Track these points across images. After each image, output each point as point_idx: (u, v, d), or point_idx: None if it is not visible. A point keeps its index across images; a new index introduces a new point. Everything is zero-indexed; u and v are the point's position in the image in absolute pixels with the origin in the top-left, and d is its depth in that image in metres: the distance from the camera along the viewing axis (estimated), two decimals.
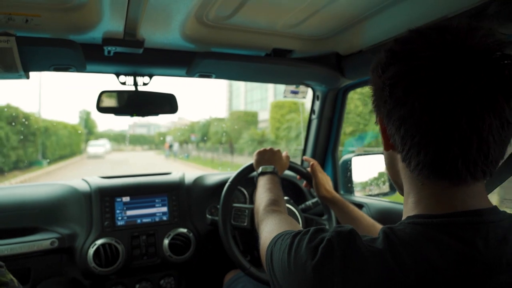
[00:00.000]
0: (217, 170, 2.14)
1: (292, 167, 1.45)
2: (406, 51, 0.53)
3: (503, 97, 0.48)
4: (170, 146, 25.80)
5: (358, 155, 1.73)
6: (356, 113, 11.12)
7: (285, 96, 1.80)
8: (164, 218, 1.56)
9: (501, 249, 0.49)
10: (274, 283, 0.61)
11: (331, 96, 1.79)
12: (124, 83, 1.47)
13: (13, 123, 11.92)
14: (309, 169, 1.42)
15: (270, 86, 22.46)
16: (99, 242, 1.39)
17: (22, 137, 12.42)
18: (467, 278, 0.47)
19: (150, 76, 1.49)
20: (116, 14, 1.04)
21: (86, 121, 26.34)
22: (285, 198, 1.33)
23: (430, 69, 0.49)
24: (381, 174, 1.69)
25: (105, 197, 1.49)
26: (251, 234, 1.37)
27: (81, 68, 1.31)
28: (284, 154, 1.40)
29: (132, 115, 1.45)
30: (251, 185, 1.63)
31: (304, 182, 1.51)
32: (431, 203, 0.55)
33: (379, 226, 1.13)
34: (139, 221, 1.51)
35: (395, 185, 0.67)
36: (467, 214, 0.52)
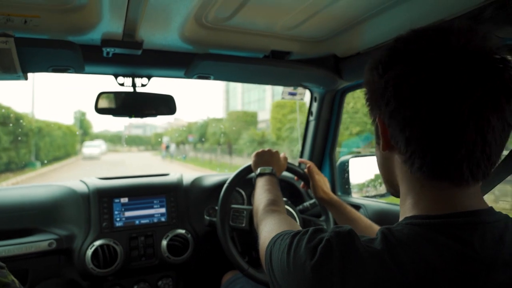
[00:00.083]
0: (215, 172, 2.14)
1: (290, 169, 1.46)
2: (411, 51, 0.53)
3: (506, 99, 0.49)
4: (167, 147, 25.69)
5: (355, 156, 1.75)
6: (363, 112, 11.07)
7: (283, 98, 1.81)
8: (162, 219, 1.56)
9: (497, 249, 0.50)
10: (273, 282, 0.61)
11: (328, 98, 1.80)
12: (122, 84, 1.47)
13: (5, 123, 11.60)
14: (306, 170, 1.43)
15: (268, 87, 22.36)
16: (97, 243, 1.39)
17: (14, 137, 12.11)
18: (465, 278, 0.48)
19: (149, 78, 1.49)
20: (115, 15, 1.04)
21: (81, 121, 26.17)
22: (283, 199, 1.33)
23: (437, 70, 0.50)
24: (378, 176, 1.70)
25: (103, 198, 1.48)
26: (249, 235, 1.38)
27: (79, 69, 1.31)
28: (282, 155, 1.41)
29: (130, 116, 1.45)
30: (249, 186, 1.63)
31: (302, 183, 1.51)
32: (429, 204, 0.55)
33: (376, 227, 1.14)
34: (137, 222, 1.51)
35: (389, 186, 0.67)
36: (464, 215, 0.52)
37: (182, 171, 1.84)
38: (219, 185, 1.64)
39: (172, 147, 25.58)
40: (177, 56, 1.38)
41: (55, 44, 1.12)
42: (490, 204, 0.57)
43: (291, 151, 12.78)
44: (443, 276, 0.47)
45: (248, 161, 1.41)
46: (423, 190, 0.56)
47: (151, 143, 36.16)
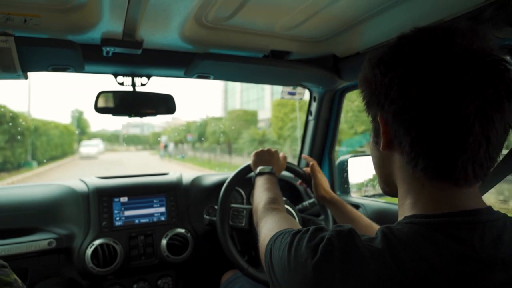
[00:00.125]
0: (214, 171, 2.14)
1: (289, 168, 1.46)
2: (416, 50, 0.53)
3: (507, 100, 0.50)
4: (165, 146, 25.63)
5: (354, 156, 1.75)
6: None
7: (282, 97, 1.81)
8: (162, 218, 1.56)
9: (496, 248, 0.50)
10: (273, 280, 0.61)
11: (328, 98, 1.80)
12: (122, 84, 1.47)
13: (0, 122, 11.36)
14: (308, 168, 1.43)
15: (267, 86, 22.26)
16: (97, 242, 1.39)
17: (9, 137, 11.87)
18: (464, 276, 0.48)
19: (148, 77, 1.49)
20: (115, 15, 1.04)
21: (79, 120, 26.07)
22: (283, 198, 1.34)
23: (444, 71, 0.50)
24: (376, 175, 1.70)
25: (103, 197, 1.48)
26: (248, 234, 1.38)
27: (79, 69, 1.31)
28: (281, 154, 1.41)
29: (130, 115, 1.46)
30: (249, 186, 1.64)
31: (299, 180, 1.51)
32: (429, 204, 0.55)
33: (376, 227, 1.14)
34: (137, 221, 1.52)
35: (385, 186, 0.67)
36: (463, 214, 0.53)
37: (180, 170, 1.83)
38: (219, 184, 1.64)
39: (171, 146, 25.53)
40: (177, 55, 1.38)
41: (55, 43, 1.12)
42: (501, 205, 0.58)
43: (294, 150, 12.66)
44: (442, 275, 0.48)
45: (248, 161, 1.41)
46: (423, 190, 0.56)
47: (149, 142, 36.11)
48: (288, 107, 15.11)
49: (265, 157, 1.35)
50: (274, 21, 1.19)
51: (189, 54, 1.35)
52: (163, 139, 28.33)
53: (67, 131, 18.86)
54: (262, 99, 24.51)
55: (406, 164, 0.57)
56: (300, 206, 1.53)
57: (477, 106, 0.49)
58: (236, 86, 28.26)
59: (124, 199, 1.52)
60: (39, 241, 1.36)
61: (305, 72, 1.52)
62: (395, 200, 0.67)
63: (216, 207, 1.41)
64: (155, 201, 1.57)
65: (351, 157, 1.74)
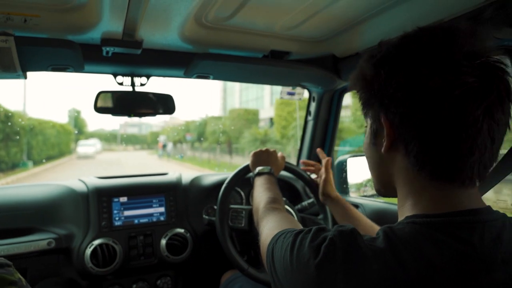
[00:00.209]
0: (213, 171, 2.13)
1: (288, 168, 1.47)
2: (421, 52, 0.53)
3: (509, 100, 0.51)
4: (164, 146, 25.54)
5: (353, 156, 1.75)
6: None
7: (281, 97, 1.81)
8: (162, 218, 1.56)
9: (495, 247, 0.51)
10: (275, 280, 0.61)
11: (327, 98, 1.81)
12: (121, 84, 1.47)
13: None
14: (323, 163, 1.40)
15: (267, 85, 22.15)
16: (97, 242, 1.39)
17: (4, 136, 11.61)
18: (464, 275, 0.48)
19: (148, 77, 1.50)
20: (115, 15, 1.04)
21: (76, 120, 25.92)
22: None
23: (451, 74, 0.50)
24: None
25: (102, 197, 1.48)
26: (248, 234, 1.39)
27: (79, 69, 1.31)
28: (279, 154, 1.41)
29: (129, 115, 1.46)
30: (248, 186, 1.64)
31: (314, 176, 1.50)
32: (430, 204, 0.56)
33: (377, 227, 1.14)
34: (136, 221, 1.51)
35: (382, 187, 0.67)
36: (463, 214, 0.53)
37: (180, 170, 1.83)
38: (218, 184, 1.64)
39: (169, 146, 25.45)
40: (177, 55, 1.38)
41: (55, 43, 1.12)
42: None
43: (298, 150, 12.57)
44: (443, 274, 0.48)
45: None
46: (424, 191, 0.57)
47: (147, 142, 36.03)
48: (292, 105, 14.91)
49: (263, 157, 1.35)
50: (274, 21, 1.19)
51: (189, 54, 1.35)
52: (162, 138, 28.22)
53: (64, 131, 18.67)
54: (262, 98, 24.47)
55: (411, 166, 0.57)
56: (299, 206, 1.53)
57: (484, 108, 0.50)
58: (235, 86, 28.25)
59: (123, 199, 1.52)
60: (39, 241, 1.36)
61: (304, 72, 1.52)
62: (394, 200, 0.67)
63: (215, 207, 1.41)
64: (154, 201, 1.57)
65: (350, 157, 1.74)
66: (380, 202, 1.56)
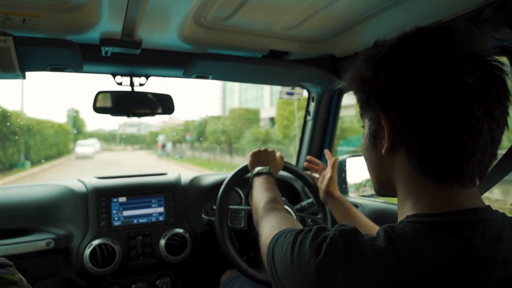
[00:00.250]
0: (213, 171, 2.13)
1: (286, 168, 1.47)
2: (421, 52, 0.53)
3: (507, 99, 0.52)
4: (163, 146, 25.47)
5: (352, 156, 1.75)
6: None
7: (280, 97, 1.81)
8: (161, 218, 1.56)
9: (496, 246, 0.51)
10: (276, 280, 0.61)
11: (326, 98, 1.81)
12: (120, 84, 1.47)
13: None
14: (329, 163, 1.41)
15: (266, 85, 21.98)
16: (96, 242, 1.38)
17: (1, 136, 11.37)
18: (465, 274, 0.49)
19: (147, 77, 1.49)
20: (114, 15, 1.04)
21: (75, 119, 25.81)
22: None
23: (452, 75, 0.50)
24: None
25: (101, 198, 1.48)
26: (247, 235, 1.39)
27: (78, 69, 1.31)
28: (278, 154, 1.41)
29: (128, 115, 1.46)
30: (247, 186, 1.64)
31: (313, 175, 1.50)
32: (430, 204, 0.56)
33: (377, 227, 1.14)
34: (135, 221, 1.51)
35: (382, 187, 0.67)
36: (464, 213, 0.53)
37: (179, 171, 1.83)
38: (217, 184, 1.64)
39: (169, 146, 25.37)
40: (176, 55, 1.38)
41: (54, 43, 1.12)
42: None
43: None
44: (444, 274, 0.48)
45: None
46: (425, 191, 0.57)
47: (146, 142, 35.95)
48: (293, 105, 14.75)
49: (262, 157, 1.35)
50: (273, 21, 1.19)
51: (188, 54, 1.35)
52: (161, 138, 28.15)
53: (62, 130, 18.47)
54: (261, 98, 24.41)
55: (412, 167, 0.57)
56: (298, 206, 1.53)
57: (485, 108, 0.50)
58: (234, 86, 28.22)
59: (122, 199, 1.52)
60: (37, 241, 1.35)
61: (303, 72, 1.52)
62: (393, 200, 0.67)
63: (214, 207, 1.41)
64: (153, 201, 1.57)
65: (349, 157, 1.74)
66: (379, 202, 1.57)
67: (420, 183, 0.57)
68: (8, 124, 11.67)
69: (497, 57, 0.53)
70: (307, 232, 0.58)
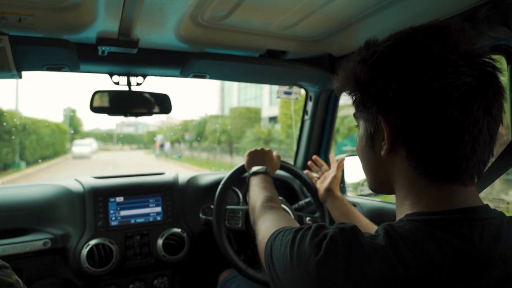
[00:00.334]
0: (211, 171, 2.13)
1: (283, 167, 1.47)
2: (419, 53, 0.53)
3: (503, 97, 0.53)
4: (161, 146, 25.38)
5: (350, 155, 1.75)
6: None
7: (278, 97, 1.81)
8: (158, 218, 1.55)
9: (494, 245, 0.51)
10: (274, 278, 0.61)
11: (323, 97, 1.81)
12: (117, 83, 1.46)
13: None
14: (337, 162, 1.42)
15: (265, 84, 21.76)
16: (93, 242, 1.38)
17: None
18: (464, 272, 0.49)
19: (144, 76, 1.49)
20: (111, 14, 1.03)
21: (71, 119, 25.67)
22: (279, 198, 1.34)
23: (450, 75, 0.50)
24: None
25: (99, 197, 1.48)
26: (245, 235, 1.38)
27: (74, 68, 1.31)
28: (275, 153, 1.41)
29: (125, 115, 1.45)
30: (245, 185, 1.64)
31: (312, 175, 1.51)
32: (429, 203, 0.56)
33: (376, 227, 1.15)
34: (133, 221, 1.51)
35: (379, 187, 0.67)
36: (463, 212, 0.54)
37: (178, 171, 1.83)
38: (215, 184, 1.64)
39: (167, 145, 25.27)
40: (173, 55, 1.38)
41: (50, 43, 1.11)
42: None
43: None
44: (443, 272, 0.48)
45: None
46: (425, 190, 0.57)
47: (143, 142, 35.83)
48: (298, 103, 14.43)
49: (258, 157, 1.35)
50: (270, 21, 1.19)
51: (185, 53, 1.35)
52: (159, 138, 28.03)
53: (59, 130, 18.20)
54: (260, 97, 24.28)
55: (412, 167, 0.57)
56: (296, 205, 1.53)
57: (484, 107, 0.51)
58: (233, 85, 28.05)
59: (119, 199, 1.51)
60: (34, 241, 1.35)
61: (301, 72, 1.52)
62: (391, 199, 0.67)
63: (212, 206, 1.41)
64: (151, 201, 1.57)
65: (347, 156, 1.75)
66: (377, 201, 1.57)
67: (420, 183, 0.57)
68: (3, 123, 11.53)
69: (492, 55, 0.53)
70: (306, 230, 0.58)
